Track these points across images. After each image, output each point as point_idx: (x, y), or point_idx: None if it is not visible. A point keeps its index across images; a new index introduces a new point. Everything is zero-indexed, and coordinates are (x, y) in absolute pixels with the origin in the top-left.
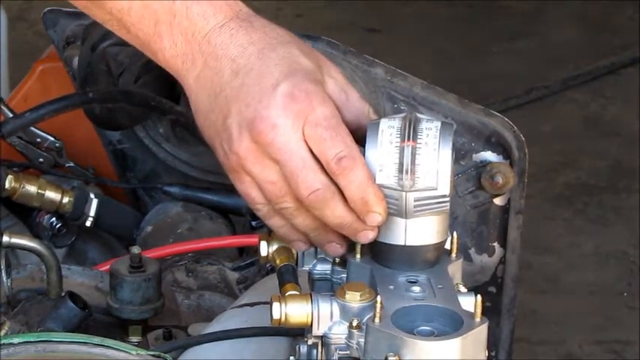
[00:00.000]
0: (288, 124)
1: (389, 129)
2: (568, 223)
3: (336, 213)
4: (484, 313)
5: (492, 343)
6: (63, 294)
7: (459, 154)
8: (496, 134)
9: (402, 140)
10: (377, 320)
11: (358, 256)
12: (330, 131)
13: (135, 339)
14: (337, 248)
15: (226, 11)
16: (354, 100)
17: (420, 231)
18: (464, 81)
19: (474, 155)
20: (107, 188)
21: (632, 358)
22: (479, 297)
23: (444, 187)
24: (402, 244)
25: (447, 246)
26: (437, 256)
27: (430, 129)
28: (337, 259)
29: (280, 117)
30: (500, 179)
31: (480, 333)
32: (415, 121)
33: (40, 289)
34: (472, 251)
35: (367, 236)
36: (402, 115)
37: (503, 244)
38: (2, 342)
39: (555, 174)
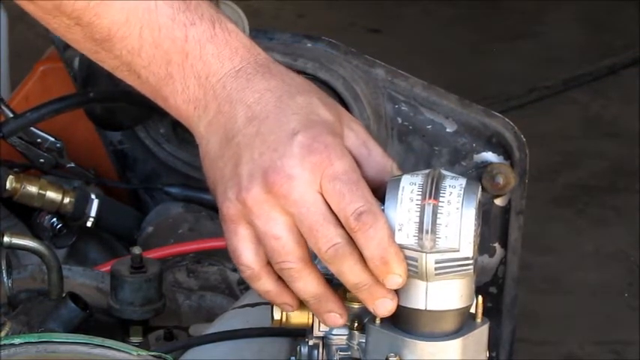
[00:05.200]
0: (304, 176)
1: (410, 185)
2: (569, 223)
3: (355, 271)
4: (485, 313)
5: (493, 344)
6: (64, 294)
7: (460, 155)
8: (497, 135)
9: (424, 198)
10: (378, 321)
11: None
12: (349, 186)
13: (136, 339)
14: (337, 319)
15: (243, 54)
16: (376, 155)
17: (442, 295)
18: (464, 81)
19: (474, 156)
20: (108, 189)
21: (633, 358)
22: (480, 298)
23: (467, 250)
24: (423, 308)
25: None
26: (461, 322)
27: (454, 187)
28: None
29: (296, 168)
30: (500, 180)
31: (481, 333)
32: (438, 178)
33: (41, 290)
34: None
35: (385, 306)
36: (426, 171)
37: (504, 245)
38: (3, 342)
39: (556, 174)
